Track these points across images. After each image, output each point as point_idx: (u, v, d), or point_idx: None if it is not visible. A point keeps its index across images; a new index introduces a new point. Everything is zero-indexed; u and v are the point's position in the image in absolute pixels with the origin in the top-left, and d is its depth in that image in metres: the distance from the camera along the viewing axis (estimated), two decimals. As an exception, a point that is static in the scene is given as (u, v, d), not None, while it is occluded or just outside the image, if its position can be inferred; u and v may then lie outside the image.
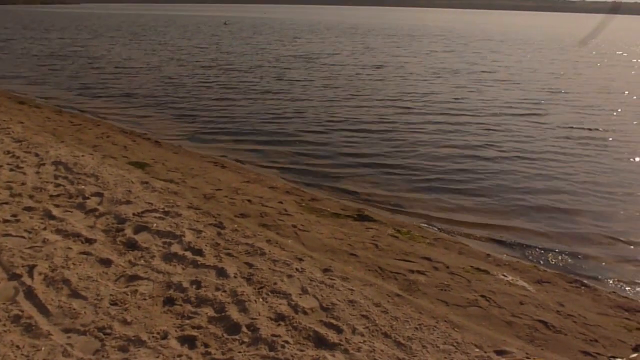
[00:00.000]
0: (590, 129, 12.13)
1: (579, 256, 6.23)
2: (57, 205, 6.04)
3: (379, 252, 5.49)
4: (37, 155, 8.08)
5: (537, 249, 6.39)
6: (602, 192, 8.20)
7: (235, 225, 5.75)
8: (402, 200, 7.66)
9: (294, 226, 5.97)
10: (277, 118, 12.50)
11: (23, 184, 6.73)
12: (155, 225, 5.52)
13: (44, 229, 5.35)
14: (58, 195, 6.38)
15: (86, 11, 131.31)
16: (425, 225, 6.89)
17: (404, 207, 7.42)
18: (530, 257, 6.24)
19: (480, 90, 17.21)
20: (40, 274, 4.41)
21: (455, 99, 15.45)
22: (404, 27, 64.70)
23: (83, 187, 6.64)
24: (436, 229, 6.80)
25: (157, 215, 5.83)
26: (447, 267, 5.25)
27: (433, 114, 13.21)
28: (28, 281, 4.29)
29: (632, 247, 6.51)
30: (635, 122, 13.08)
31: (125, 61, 23.52)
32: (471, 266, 5.39)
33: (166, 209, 6.05)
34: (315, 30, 55.44)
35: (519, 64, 26.01)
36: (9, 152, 8.20)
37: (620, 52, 35.27)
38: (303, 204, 6.97)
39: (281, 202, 6.86)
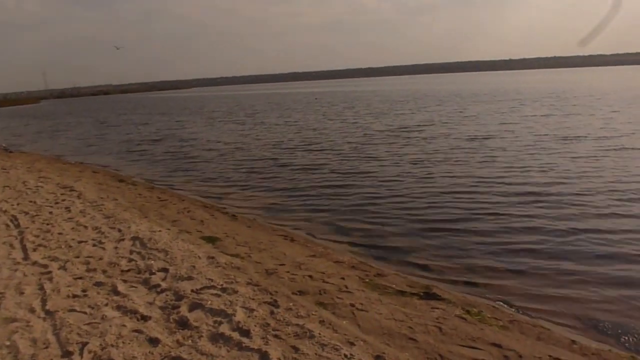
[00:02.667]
0: None
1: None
2: (125, 281, 6.25)
3: (442, 337, 4.98)
4: (119, 230, 8.58)
5: (635, 334, 5.46)
6: None
7: (291, 304, 5.55)
8: (478, 275, 7.04)
9: (352, 305, 5.65)
10: (352, 192, 12.33)
11: (100, 259, 7.10)
12: (209, 302, 5.48)
13: (106, 304, 5.51)
14: (128, 270, 6.63)
15: (195, 94, 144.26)
16: (502, 304, 6.22)
17: (478, 283, 6.80)
18: (627, 345, 5.35)
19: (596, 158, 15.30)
20: (90, 352, 4.48)
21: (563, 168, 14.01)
22: (506, 90, 63.09)
23: (152, 262, 6.86)
24: (513, 309, 6.10)
25: (215, 292, 5.81)
26: (520, 357, 4.60)
27: (528, 184, 12.15)
28: (77, 359, 4.36)
29: None
30: None
31: (215, 142, 24.97)
32: (550, 355, 4.69)
33: (224, 286, 6.02)
34: (411, 99, 55.92)
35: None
36: (96, 228, 8.80)
37: None
38: (367, 280, 6.63)
39: (343, 278, 6.58)
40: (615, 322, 5.75)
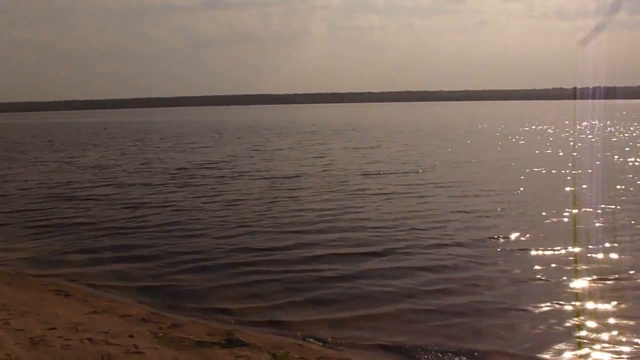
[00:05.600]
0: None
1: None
2: None
3: (249, 391, 4.52)
4: None
5: (432, 352, 5.78)
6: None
7: (64, 381, 4.48)
8: (281, 313, 6.80)
9: (144, 369, 4.83)
10: (141, 229, 11.24)
11: None
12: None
13: None
14: None
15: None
16: (310, 339, 6.04)
17: (282, 321, 6.55)
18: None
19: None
20: None
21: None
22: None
23: None
24: (320, 342, 5.98)
25: (-49, 381, 4.40)
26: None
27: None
28: None
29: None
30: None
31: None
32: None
33: (-32, 370, 4.62)
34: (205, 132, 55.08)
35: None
36: None
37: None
38: (161, 334, 5.83)
39: (132, 336, 5.67)
40: (415, 344, 5.95)
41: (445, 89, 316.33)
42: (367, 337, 6.12)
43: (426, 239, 10.08)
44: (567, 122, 56.21)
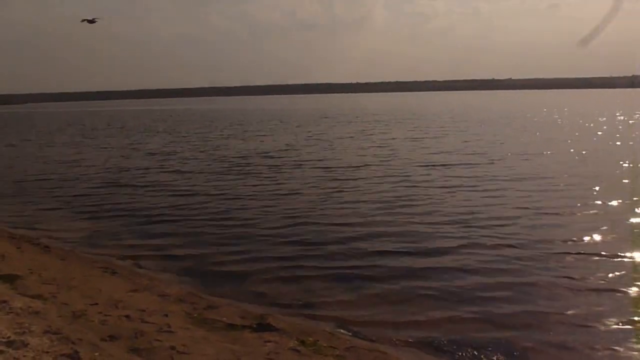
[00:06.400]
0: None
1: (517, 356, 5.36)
2: None
3: (271, 376, 4.47)
4: None
5: (469, 348, 5.50)
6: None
7: (96, 354, 4.61)
8: (315, 300, 6.71)
9: (172, 348, 4.89)
10: (192, 215, 11.44)
11: None
12: (-17, 364, 4.32)
13: None
14: None
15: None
16: (340, 330, 5.92)
17: (315, 309, 6.46)
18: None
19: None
20: None
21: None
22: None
23: None
24: (351, 333, 5.85)
25: (-4, 348, 4.63)
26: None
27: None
28: None
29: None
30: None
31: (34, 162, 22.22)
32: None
33: (12, 338, 4.85)
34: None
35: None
36: None
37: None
38: (194, 315, 5.91)
39: (166, 315, 5.78)
40: (451, 339, 5.68)
41: (514, 77, 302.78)
42: (403, 335, 5.85)
43: (486, 237, 9.28)
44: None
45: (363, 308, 6.58)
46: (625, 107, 63.61)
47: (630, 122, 39.47)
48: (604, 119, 43.08)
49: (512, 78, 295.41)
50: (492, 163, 18.24)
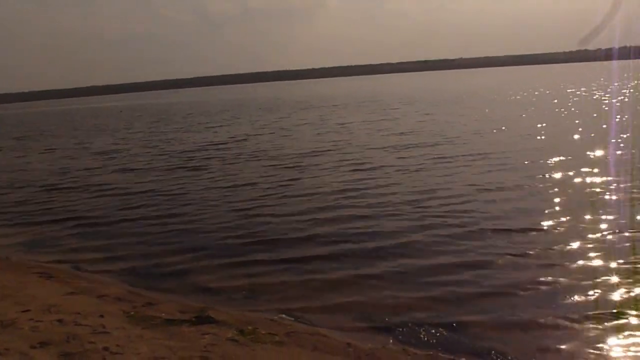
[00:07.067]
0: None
1: (458, 330, 5.47)
2: None
3: (206, 368, 4.43)
4: None
5: (406, 326, 5.59)
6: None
7: (24, 362, 4.46)
8: (259, 290, 6.68)
9: (106, 349, 4.77)
10: (137, 216, 11.04)
11: None
12: None
13: None
14: None
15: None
16: (282, 316, 5.93)
17: (259, 299, 6.44)
18: (401, 337, 5.43)
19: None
20: None
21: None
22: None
23: None
24: (293, 318, 5.86)
25: None
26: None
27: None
28: None
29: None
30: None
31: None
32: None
33: None
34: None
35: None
36: None
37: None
38: (132, 314, 5.79)
39: (102, 316, 5.64)
40: (395, 320, 5.74)
41: (465, 56, 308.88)
42: (347, 318, 5.87)
43: (437, 217, 9.33)
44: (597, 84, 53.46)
45: (308, 295, 6.54)
46: (562, 81, 66.25)
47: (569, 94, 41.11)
48: (543, 91, 44.71)
49: (463, 57, 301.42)
50: (449, 142, 18.51)
